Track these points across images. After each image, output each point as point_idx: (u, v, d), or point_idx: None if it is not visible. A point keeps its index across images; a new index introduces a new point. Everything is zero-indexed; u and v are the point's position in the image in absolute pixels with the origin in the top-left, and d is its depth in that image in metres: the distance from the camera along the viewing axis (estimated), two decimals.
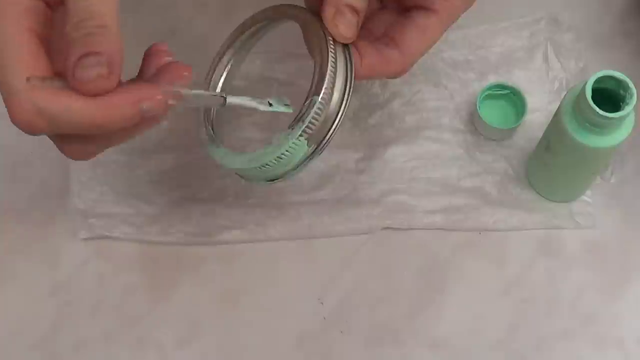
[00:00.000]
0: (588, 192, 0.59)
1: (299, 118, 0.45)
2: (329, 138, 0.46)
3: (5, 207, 0.61)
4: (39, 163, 0.62)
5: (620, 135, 0.49)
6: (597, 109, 0.47)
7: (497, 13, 0.64)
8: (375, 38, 0.50)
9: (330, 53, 0.45)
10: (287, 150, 0.45)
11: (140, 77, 0.42)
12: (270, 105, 0.45)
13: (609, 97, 0.48)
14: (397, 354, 0.57)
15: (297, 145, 0.45)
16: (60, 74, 0.38)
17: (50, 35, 0.39)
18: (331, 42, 0.46)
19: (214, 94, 0.42)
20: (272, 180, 0.48)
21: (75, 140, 0.39)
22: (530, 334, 0.56)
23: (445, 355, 0.56)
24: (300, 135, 0.45)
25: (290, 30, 0.50)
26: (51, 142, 0.62)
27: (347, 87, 0.46)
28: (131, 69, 0.42)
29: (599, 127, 0.48)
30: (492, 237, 0.59)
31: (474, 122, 0.61)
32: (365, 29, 0.49)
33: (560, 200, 0.59)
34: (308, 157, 0.46)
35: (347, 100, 0.46)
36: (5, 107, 0.37)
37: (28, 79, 0.36)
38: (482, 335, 0.57)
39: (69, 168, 0.61)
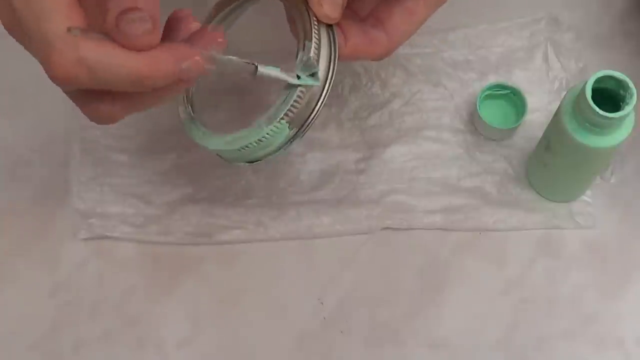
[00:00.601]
0: (588, 192, 0.59)
1: (280, 101, 0.45)
2: (311, 121, 0.45)
3: (5, 207, 0.61)
4: (39, 163, 0.62)
5: (620, 135, 0.49)
6: (597, 109, 0.47)
7: (497, 13, 0.64)
8: (360, 19, 0.49)
9: (314, 34, 0.45)
10: (267, 134, 0.45)
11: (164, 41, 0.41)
12: (299, 78, 0.44)
13: (609, 97, 0.48)
14: (397, 354, 0.57)
15: (278, 128, 0.45)
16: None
17: None
18: (315, 22, 0.46)
19: (246, 61, 0.41)
20: (252, 162, 0.48)
21: (104, 99, 0.39)
22: (530, 334, 0.56)
23: (445, 355, 0.56)
24: (282, 119, 0.44)
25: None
26: (51, 142, 0.63)
27: (331, 69, 0.45)
28: None
29: (599, 127, 0.48)
30: (492, 237, 0.59)
31: (474, 122, 0.61)
32: (350, 9, 0.48)
33: (560, 200, 0.59)
34: (289, 140, 0.46)
35: (329, 82, 0.45)
36: (40, 58, 0.36)
37: (69, 29, 0.36)
38: (482, 335, 0.57)
39: (69, 168, 0.61)
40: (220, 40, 0.40)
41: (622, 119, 0.47)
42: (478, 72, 0.62)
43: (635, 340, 0.56)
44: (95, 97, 0.39)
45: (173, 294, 0.59)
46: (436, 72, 0.62)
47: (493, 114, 0.61)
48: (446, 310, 0.57)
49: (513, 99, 0.61)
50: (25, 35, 0.37)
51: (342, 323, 0.57)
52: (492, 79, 0.62)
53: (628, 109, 0.47)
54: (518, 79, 0.62)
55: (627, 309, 0.57)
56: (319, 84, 0.45)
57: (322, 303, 0.58)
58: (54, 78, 0.36)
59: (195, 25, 0.41)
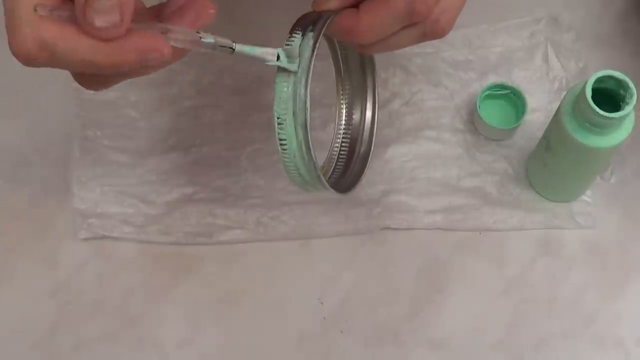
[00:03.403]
0: (588, 192, 0.59)
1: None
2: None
3: (5, 207, 0.61)
4: (39, 163, 0.62)
5: (620, 135, 0.49)
6: (597, 109, 0.47)
7: (497, 13, 0.64)
8: None
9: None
10: (277, 118, 0.43)
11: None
12: (278, 59, 0.42)
13: (609, 97, 0.48)
14: (397, 354, 0.57)
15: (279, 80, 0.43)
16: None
17: None
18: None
19: (226, 39, 0.40)
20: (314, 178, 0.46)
21: (82, 73, 0.38)
22: (530, 334, 0.56)
23: (445, 355, 0.56)
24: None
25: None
26: (51, 142, 0.63)
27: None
28: None
29: (599, 127, 0.48)
30: (492, 237, 0.59)
31: (474, 122, 0.61)
32: None
33: (560, 200, 0.59)
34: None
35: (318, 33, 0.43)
36: (8, 34, 0.36)
37: (35, 8, 0.35)
38: (482, 335, 0.57)
39: (69, 168, 0.61)
40: (211, 11, 0.39)
41: (622, 119, 0.47)
42: (478, 72, 0.62)
43: (635, 340, 0.56)
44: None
45: (173, 294, 0.59)
46: (436, 72, 0.62)
47: (493, 114, 0.61)
48: (446, 310, 0.57)
49: (513, 99, 0.61)
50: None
51: (342, 323, 0.57)
52: (492, 79, 0.62)
53: (628, 109, 0.47)
54: (518, 79, 0.62)
55: (627, 309, 0.57)
56: (296, 69, 0.43)
57: (322, 303, 0.58)
58: (15, 55, 0.36)
59: None
